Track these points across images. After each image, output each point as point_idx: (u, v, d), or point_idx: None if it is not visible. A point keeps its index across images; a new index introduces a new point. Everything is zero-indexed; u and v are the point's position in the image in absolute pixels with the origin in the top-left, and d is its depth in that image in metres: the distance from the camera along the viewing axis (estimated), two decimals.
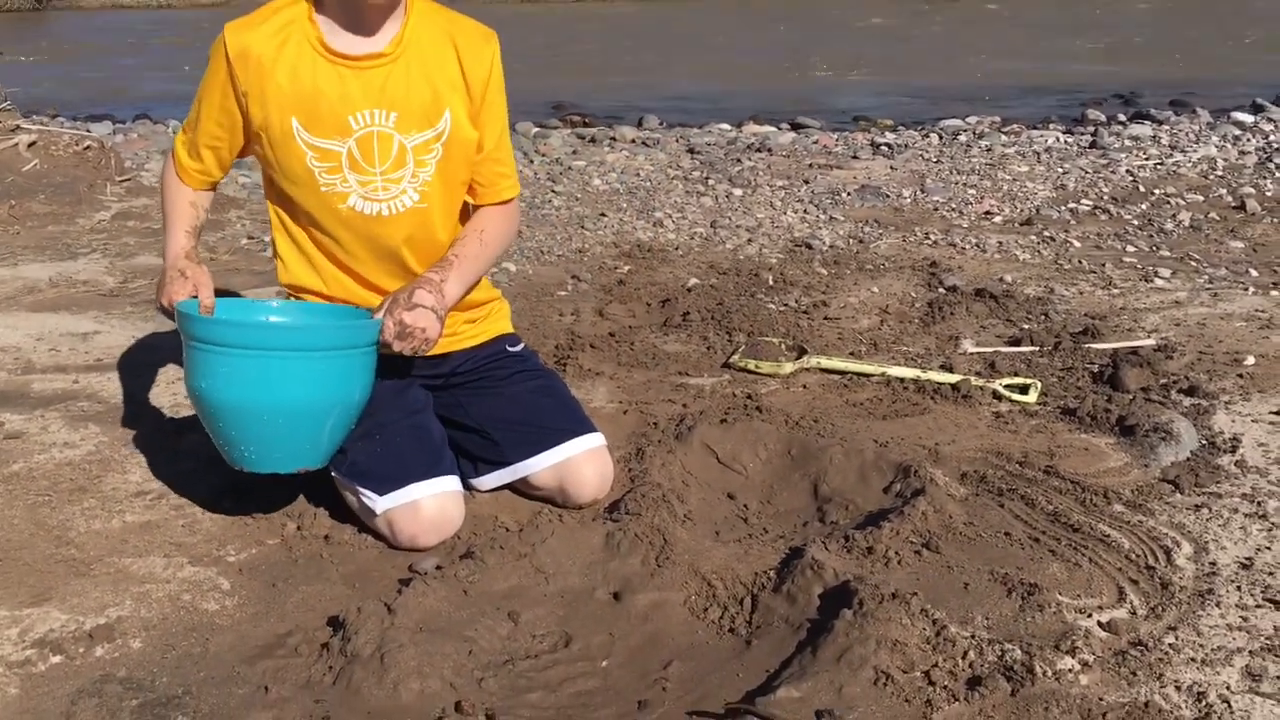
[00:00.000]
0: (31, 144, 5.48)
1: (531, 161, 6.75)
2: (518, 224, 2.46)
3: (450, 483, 2.22)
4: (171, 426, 2.71)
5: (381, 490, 2.15)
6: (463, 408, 2.39)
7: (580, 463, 2.32)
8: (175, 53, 15.07)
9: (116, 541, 2.18)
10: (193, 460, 2.49)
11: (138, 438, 2.64)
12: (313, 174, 2.15)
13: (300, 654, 1.81)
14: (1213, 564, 2.02)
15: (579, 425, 2.38)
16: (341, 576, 2.08)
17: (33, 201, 5.07)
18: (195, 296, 2.11)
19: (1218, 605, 1.89)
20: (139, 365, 3.13)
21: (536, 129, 8.30)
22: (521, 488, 2.38)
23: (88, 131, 6.57)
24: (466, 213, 2.34)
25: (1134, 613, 1.87)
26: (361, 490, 2.17)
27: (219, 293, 2.20)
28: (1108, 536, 2.11)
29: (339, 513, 2.26)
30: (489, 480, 2.38)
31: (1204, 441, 2.56)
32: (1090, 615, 1.86)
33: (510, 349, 2.48)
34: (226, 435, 2.06)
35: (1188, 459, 2.48)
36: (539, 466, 2.32)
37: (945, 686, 1.64)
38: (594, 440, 2.37)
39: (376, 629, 1.79)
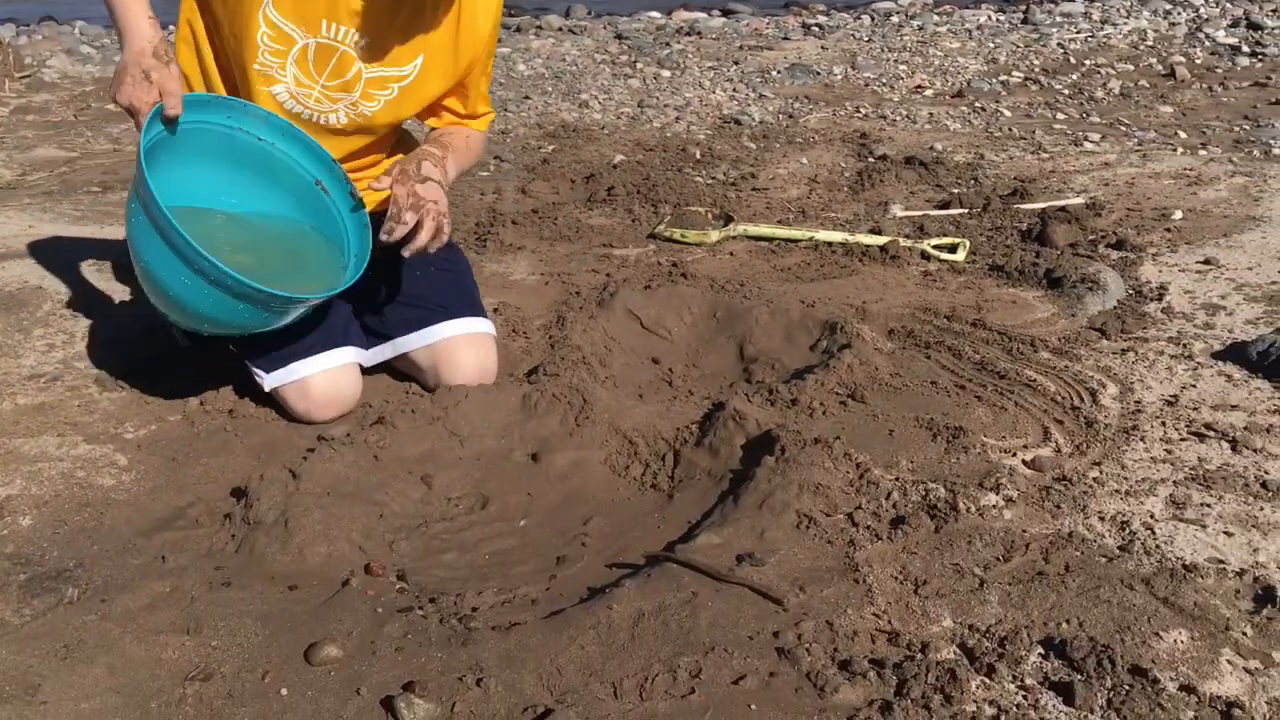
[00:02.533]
0: None
1: None
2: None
3: (344, 355, 2.10)
4: (68, 313, 2.58)
5: (269, 368, 2.04)
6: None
7: (457, 345, 2.16)
8: None
9: (7, 424, 2.06)
10: (90, 344, 2.37)
11: (32, 323, 2.50)
12: (257, 48, 1.98)
13: (201, 525, 1.73)
14: (1138, 402, 2.00)
15: (465, 308, 2.21)
16: (246, 449, 1.98)
17: None
18: (160, 103, 1.85)
19: (1142, 440, 1.86)
20: (35, 255, 2.97)
21: None
22: (400, 366, 2.24)
23: None
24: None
25: (1059, 450, 1.84)
26: (252, 367, 2.06)
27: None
28: (1034, 381, 2.07)
29: (244, 387, 2.15)
30: (373, 355, 2.22)
31: (1131, 291, 2.53)
32: (1015, 455, 1.83)
33: None
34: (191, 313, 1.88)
35: (1114, 308, 2.45)
36: (416, 344, 2.17)
37: (868, 527, 1.61)
38: (478, 325, 2.21)
39: (280, 495, 1.71)
